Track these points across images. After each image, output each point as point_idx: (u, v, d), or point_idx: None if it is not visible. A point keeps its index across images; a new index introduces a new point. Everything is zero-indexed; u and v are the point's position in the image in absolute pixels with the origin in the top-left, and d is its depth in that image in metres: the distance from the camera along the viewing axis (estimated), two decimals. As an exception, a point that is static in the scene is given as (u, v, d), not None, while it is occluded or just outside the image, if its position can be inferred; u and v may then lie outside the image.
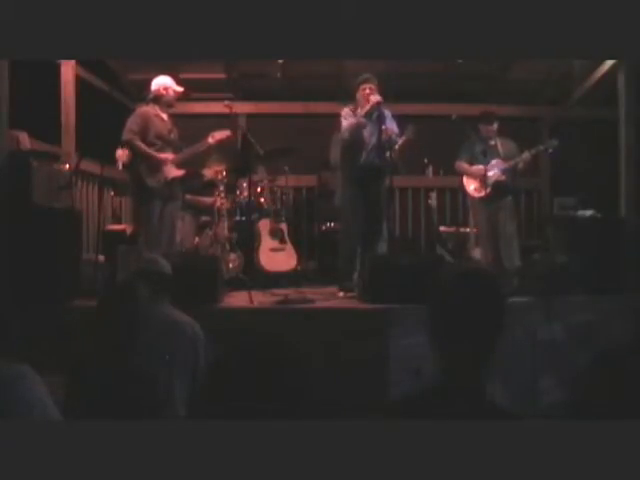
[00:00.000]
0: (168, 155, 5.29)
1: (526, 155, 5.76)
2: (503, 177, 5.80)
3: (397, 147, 5.27)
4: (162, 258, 3.52)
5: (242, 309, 4.77)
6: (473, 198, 6.00)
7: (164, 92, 5.35)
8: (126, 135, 5.19)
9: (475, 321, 1.54)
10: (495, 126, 5.93)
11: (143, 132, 5.22)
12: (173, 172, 5.30)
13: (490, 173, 5.79)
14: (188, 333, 3.22)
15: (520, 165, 5.79)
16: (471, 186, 5.95)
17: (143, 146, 5.19)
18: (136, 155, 5.20)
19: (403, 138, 5.30)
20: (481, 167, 5.83)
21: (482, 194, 5.86)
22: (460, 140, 6.04)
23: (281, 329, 4.29)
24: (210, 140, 5.43)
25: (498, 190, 5.81)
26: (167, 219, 5.31)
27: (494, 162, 5.82)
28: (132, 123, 5.23)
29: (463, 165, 5.98)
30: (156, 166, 5.22)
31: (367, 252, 5.18)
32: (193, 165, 6.15)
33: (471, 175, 5.93)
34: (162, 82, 5.39)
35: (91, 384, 2.47)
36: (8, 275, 4.38)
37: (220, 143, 5.52)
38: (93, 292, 4.54)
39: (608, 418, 1.50)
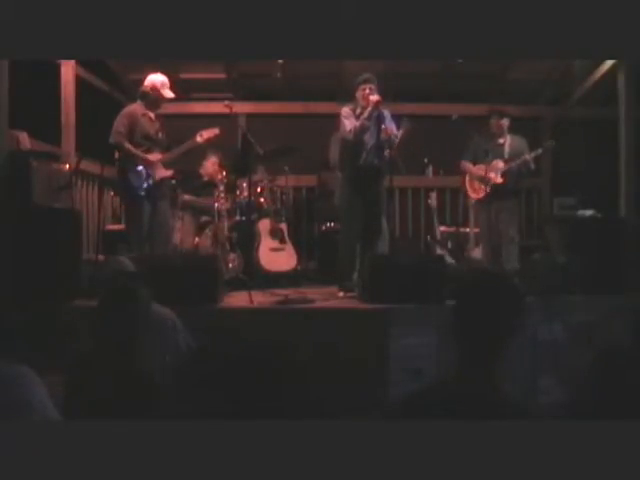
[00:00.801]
0: (156, 156, 5.25)
1: (525, 158, 5.75)
2: (503, 179, 5.78)
3: (395, 145, 5.27)
4: (125, 258, 3.61)
5: (242, 309, 4.76)
6: (474, 199, 6.00)
7: (152, 92, 5.28)
8: (114, 138, 5.14)
9: (496, 322, 1.60)
10: (506, 121, 5.92)
11: (130, 133, 5.16)
12: (162, 172, 5.26)
13: (491, 174, 5.79)
14: (169, 325, 3.27)
15: (523, 168, 5.77)
16: (472, 186, 5.95)
17: (131, 148, 5.14)
18: (124, 157, 5.17)
19: (400, 132, 5.28)
20: (482, 167, 5.82)
21: (482, 195, 5.86)
22: (460, 140, 6.03)
23: (281, 329, 4.29)
24: (198, 139, 5.39)
25: (497, 192, 5.80)
26: (160, 219, 5.29)
27: (494, 163, 5.81)
28: (119, 124, 5.17)
29: (467, 165, 5.97)
30: (144, 168, 5.18)
31: (367, 252, 5.18)
32: (190, 165, 6.15)
33: (473, 175, 5.92)
34: (152, 80, 5.31)
35: (91, 384, 2.46)
36: (8, 275, 4.38)
37: (208, 142, 5.49)
38: (93, 292, 4.54)
39: (608, 418, 1.50)
